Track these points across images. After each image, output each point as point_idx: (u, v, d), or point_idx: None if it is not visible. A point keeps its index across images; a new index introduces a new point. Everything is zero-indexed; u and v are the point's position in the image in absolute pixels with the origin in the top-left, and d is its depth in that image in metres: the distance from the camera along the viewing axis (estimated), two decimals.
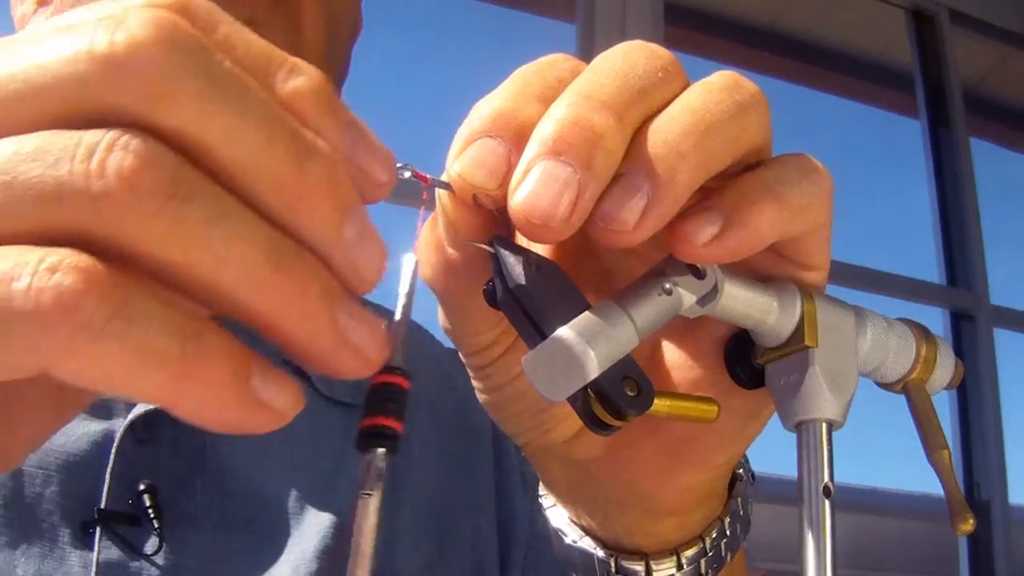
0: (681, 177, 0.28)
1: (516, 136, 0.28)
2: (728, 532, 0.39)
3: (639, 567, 0.38)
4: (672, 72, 0.30)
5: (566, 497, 0.40)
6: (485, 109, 0.29)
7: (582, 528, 0.40)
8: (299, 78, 0.23)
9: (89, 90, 0.21)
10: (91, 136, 0.21)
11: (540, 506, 0.42)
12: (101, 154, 0.20)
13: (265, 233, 0.22)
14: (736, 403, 0.35)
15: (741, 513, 0.41)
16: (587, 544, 0.40)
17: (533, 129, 0.28)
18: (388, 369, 0.25)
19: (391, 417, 0.25)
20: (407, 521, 0.57)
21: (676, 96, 0.30)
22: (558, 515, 0.41)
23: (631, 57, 0.29)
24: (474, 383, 0.37)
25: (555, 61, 0.30)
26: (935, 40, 2.39)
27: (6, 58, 0.22)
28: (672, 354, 0.37)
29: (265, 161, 0.22)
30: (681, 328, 0.36)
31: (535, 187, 0.27)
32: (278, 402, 0.22)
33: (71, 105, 0.21)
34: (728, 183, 0.30)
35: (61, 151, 0.20)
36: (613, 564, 0.39)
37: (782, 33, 2.47)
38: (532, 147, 0.27)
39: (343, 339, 0.23)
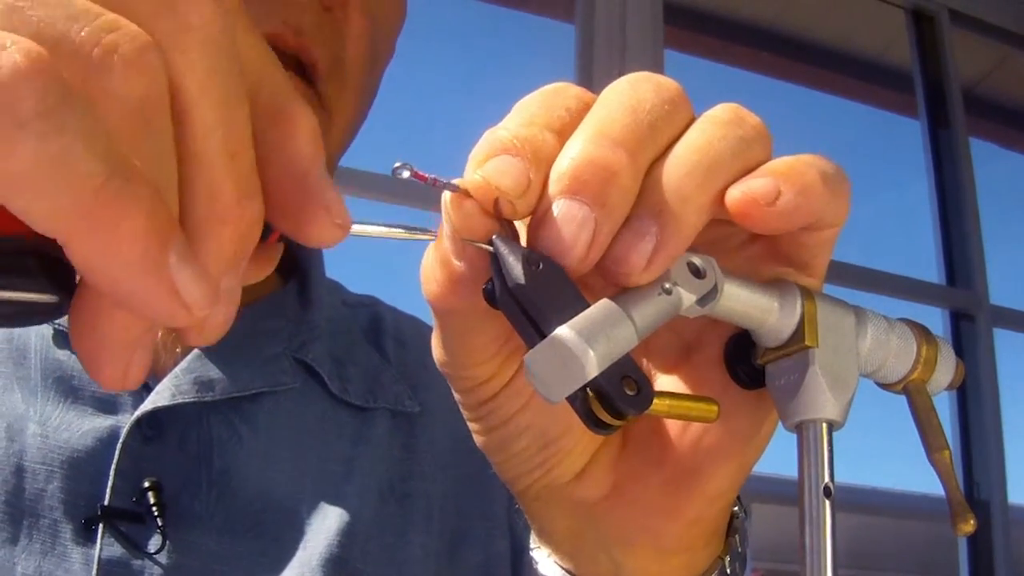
0: (687, 219, 0.29)
1: (534, 154, 0.28)
2: (729, 571, 0.39)
3: None
4: (679, 103, 0.31)
5: (566, 546, 0.39)
6: (497, 135, 0.29)
7: None
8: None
9: None
10: None
11: (532, 559, 0.41)
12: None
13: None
14: (735, 424, 0.35)
15: (740, 550, 0.40)
16: None
17: (548, 151, 0.29)
18: None
19: None
20: (418, 530, 0.57)
21: (683, 128, 0.30)
22: (552, 568, 0.40)
23: (639, 91, 0.30)
24: (471, 426, 0.36)
25: (558, 90, 0.31)
26: (935, 40, 2.39)
27: None
28: (666, 383, 0.36)
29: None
30: (676, 356, 0.36)
31: (553, 227, 0.28)
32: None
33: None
34: (777, 161, 0.31)
35: None
36: None
37: (782, 33, 2.46)
38: (550, 186, 0.28)
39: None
